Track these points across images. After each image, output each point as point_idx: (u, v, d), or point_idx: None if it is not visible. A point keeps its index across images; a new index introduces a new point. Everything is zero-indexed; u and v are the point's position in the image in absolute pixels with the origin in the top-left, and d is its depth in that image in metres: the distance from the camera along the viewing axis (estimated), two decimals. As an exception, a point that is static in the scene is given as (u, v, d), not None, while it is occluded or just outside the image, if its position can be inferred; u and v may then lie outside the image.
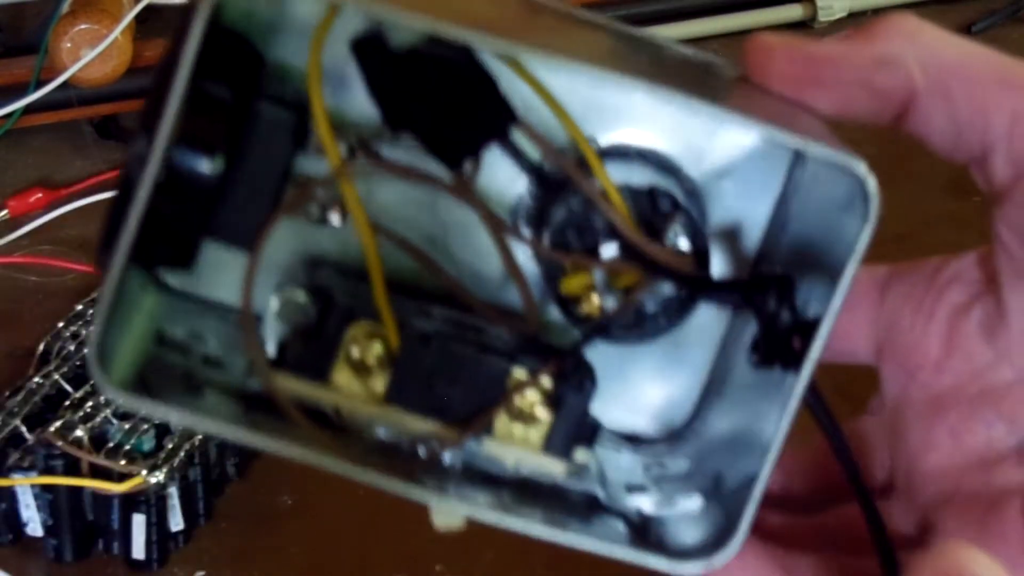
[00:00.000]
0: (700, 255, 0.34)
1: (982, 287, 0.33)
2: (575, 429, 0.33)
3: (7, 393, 0.57)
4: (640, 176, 0.34)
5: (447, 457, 0.33)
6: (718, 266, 0.35)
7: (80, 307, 0.64)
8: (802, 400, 0.30)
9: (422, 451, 0.33)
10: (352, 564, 0.54)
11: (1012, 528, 0.31)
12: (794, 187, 0.35)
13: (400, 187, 0.34)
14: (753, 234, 0.35)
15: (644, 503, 0.35)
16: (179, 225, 0.32)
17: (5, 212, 0.83)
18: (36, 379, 0.58)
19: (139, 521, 0.52)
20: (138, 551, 0.53)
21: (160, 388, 0.31)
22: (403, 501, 0.63)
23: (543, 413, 0.33)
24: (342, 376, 0.32)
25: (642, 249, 0.33)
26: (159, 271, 0.33)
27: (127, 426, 0.54)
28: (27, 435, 0.54)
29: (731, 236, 0.35)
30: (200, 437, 0.54)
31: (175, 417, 0.30)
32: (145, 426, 0.54)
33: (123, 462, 0.52)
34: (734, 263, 0.36)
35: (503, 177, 0.34)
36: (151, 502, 0.52)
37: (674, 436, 0.37)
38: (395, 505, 0.62)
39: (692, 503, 0.34)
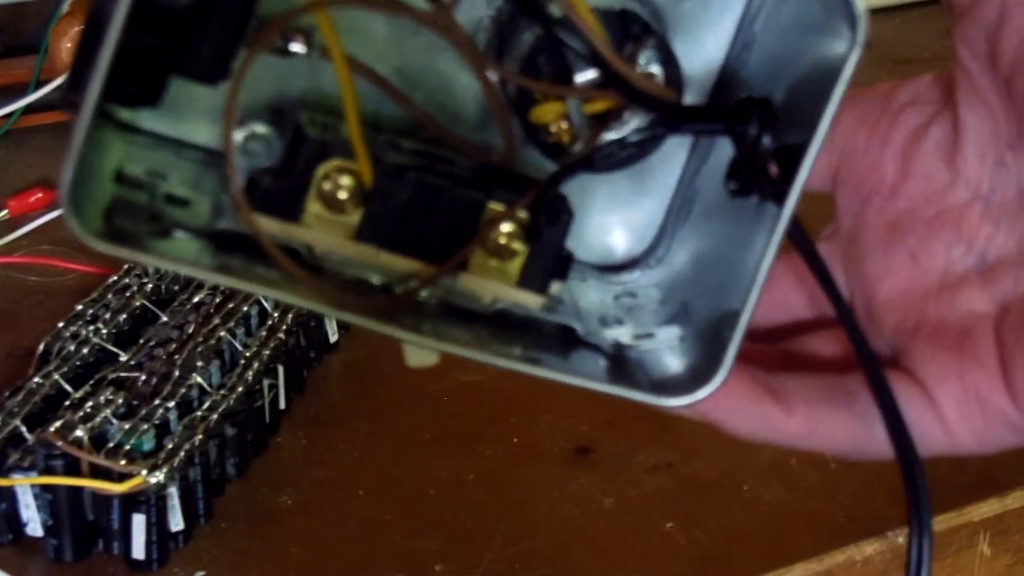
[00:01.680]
0: (674, 82, 0.33)
1: (939, 107, 0.32)
2: (551, 262, 0.32)
3: (7, 393, 0.57)
4: (603, 0, 0.32)
5: (423, 294, 0.32)
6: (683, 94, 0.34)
7: (80, 307, 0.64)
8: (787, 228, 0.29)
9: (398, 289, 0.32)
10: (352, 564, 0.54)
11: (986, 352, 0.31)
12: (757, 7, 0.33)
13: (366, 20, 0.33)
14: (715, 60, 0.34)
15: (621, 334, 0.34)
16: (148, 59, 0.30)
17: (5, 212, 0.83)
18: (36, 379, 0.58)
19: (139, 521, 0.52)
20: (138, 551, 0.53)
21: (129, 232, 0.30)
22: (404, 501, 0.63)
23: (519, 246, 0.32)
24: (314, 214, 0.31)
25: (623, 75, 0.31)
26: (123, 110, 0.32)
27: (127, 426, 0.54)
28: (27, 435, 0.54)
29: (692, 63, 0.34)
30: (200, 437, 0.54)
31: (146, 260, 0.29)
32: (145, 426, 0.54)
33: (123, 462, 0.52)
34: (697, 92, 0.34)
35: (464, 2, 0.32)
36: (151, 502, 0.52)
37: (639, 263, 0.36)
38: (395, 505, 0.62)
39: (670, 333, 0.34)
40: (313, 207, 0.31)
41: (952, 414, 0.31)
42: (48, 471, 0.52)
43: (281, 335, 0.62)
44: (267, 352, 0.61)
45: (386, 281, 0.32)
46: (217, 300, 0.64)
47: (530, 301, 0.32)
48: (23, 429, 0.55)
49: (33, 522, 0.54)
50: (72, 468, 0.52)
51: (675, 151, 0.35)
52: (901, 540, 0.55)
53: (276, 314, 0.64)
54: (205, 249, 0.31)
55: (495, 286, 0.32)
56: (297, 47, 0.31)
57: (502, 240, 0.32)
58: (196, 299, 0.64)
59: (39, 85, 0.87)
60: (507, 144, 0.32)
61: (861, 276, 0.33)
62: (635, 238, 0.36)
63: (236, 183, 0.30)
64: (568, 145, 0.33)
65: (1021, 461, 0.60)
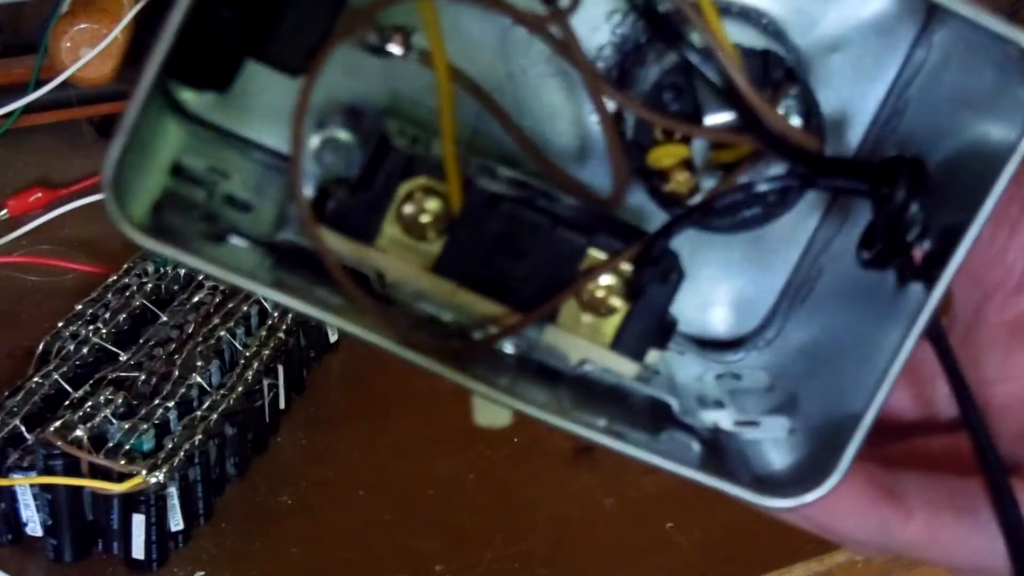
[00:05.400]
0: (815, 136, 0.29)
1: None
2: (652, 326, 0.28)
3: (7, 393, 0.57)
4: (744, 37, 0.29)
5: (503, 344, 0.29)
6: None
7: (80, 307, 0.64)
8: (932, 315, 0.26)
9: (475, 334, 0.28)
10: (352, 564, 0.53)
11: None
12: (914, 71, 0.30)
13: (471, 26, 0.29)
14: (859, 124, 0.30)
15: (721, 418, 0.30)
16: (225, 35, 0.26)
17: (5, 212, 0.83)
18: (36, 379, 0.58)
19: (139, 521, 0.52)
20: (138, 551, 0.53)
21: (179, 229, 0.27)
22: (404, 501, 0.63)
23: (618, 303, 0.28)
24: (390, 237, 0.28)
25: (762, 115, 0.27)
26: (188, 91, 0.28)
27: (127, 426, 0.53)
28: (27, 435, 0.54)
29: (835, 124, 0.30)
30: (200, 437, 0.54)
31: (194, 264, 0.26)
32: (145, 426, 0.54)
33: (123, 462, 0.52)
34: (835, 154, 0.30)
35: (586, 20, 0.29)
36: (151, 502, 0.52)
37: (745, 343, 0.33)
38: (395, 505, 0.62)
39: (777, 424, 0.30)
40: (390, 230, 0.28)
41: None
42: (48, 471, 0.52)
43: (281, 335, 0.62)
44: (267, 352, 0.61)
45: (462, 323, 0.28)
46: (217, 300, 0.64)
47: (624, 367, 0.29)
48: (23, 429, 0.55)
49: (33, 522, 0.53)
50: (72, 468, 0.52)
51: (803, 219, 0.32)
52: (901, 540, 0.55)
53: (276, 314, 0.63)
54: (262, 261, 0.29)
55: (586, 345, 0.29)
56: (394, 48, 0.27)
57: (599, 294, 0.28)
58: (196, 299, 0.64)
59: (39, 85, 0.87)
60: (617, 186, 0.29)
61: (977, 377, 0.30)
62: (744, 314, 0.33)
63: (302, 191, 0.27)
64: (685, 197, 0.30)
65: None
